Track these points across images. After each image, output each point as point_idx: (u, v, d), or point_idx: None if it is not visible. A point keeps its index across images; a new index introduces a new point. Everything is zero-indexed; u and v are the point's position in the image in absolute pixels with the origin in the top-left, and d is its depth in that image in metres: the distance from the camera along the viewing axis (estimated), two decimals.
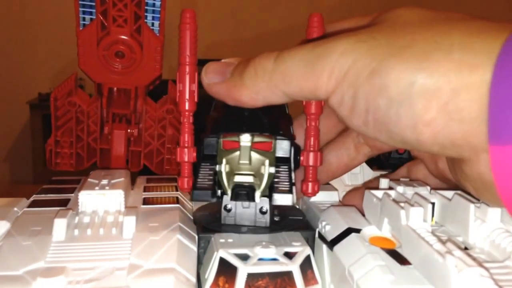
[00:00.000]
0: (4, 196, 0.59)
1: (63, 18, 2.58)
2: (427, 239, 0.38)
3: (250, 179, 0.51)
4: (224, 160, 0.51)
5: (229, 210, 0.53)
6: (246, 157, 0.51)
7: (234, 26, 2.73)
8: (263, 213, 0.52)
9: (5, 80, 2.60)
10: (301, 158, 0.52)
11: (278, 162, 0.51)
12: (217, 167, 0.51)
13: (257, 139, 0.52)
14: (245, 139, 0.51)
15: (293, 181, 0.53)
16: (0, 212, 0.53)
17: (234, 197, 0.52)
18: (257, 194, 0.50)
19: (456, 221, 0.44)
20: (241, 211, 0.53)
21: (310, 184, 0.52)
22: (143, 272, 0.43)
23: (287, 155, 0.52)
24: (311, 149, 0.52)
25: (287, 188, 0.49)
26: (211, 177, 0.51)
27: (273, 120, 0.52)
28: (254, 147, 0.52)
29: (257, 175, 0.51)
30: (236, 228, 0.52)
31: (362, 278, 0.41)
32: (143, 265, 0.44)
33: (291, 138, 0.53)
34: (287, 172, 0.50)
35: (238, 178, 0.51)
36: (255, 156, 0.51)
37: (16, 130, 2.64)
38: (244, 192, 0.51)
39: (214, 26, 2.43)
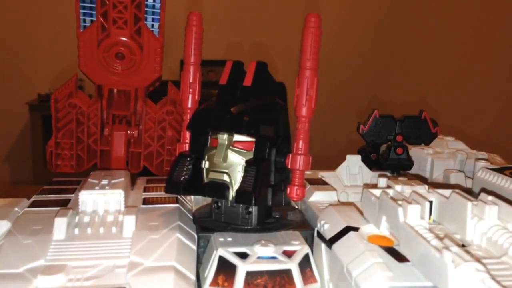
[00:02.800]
0: (4, 197, 0.59)
1: (63, 19, 2.57)
2: (425, 236, 0.38)
3: (223, 176, 0.51)
4: (206, 157, 0.52)
5: (218, 207, 0.53)
6: (220, 155, 0.51)
7: (235, 28, 2.74)
8: (248, 213, 0.52)
9: (4, 80, 2.60)
10: (287, 160, 0.52)
11: (255, 162, 0.51)
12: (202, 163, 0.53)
13: (238, 138, 0.52)
14: (222, 137, 0.52)
15: (272, 182, 0.53)
16: (0, 212, 0.53)
17: (206, 194, 0.53)
18: (230, 192, 0.51)
19: (453, 219, 0.44)
20: (228, 209, 0.53)
21: (294, 189, 0.52)
22: (143, 270, 0.43)
23: (265, 156, 0.52)
24: (299, 152, 0.52)
25: (249, 189, 0.49)
26: (188, 171, 0.52)
27: (257, 120, 0.51)
28: (234, 146, 0.52)
29: (233, 173, 0.51)
30: (226, 226, 0.52)
31: (360, 276, 0.41)
32: (143, 263, 0.44)
33: (270, 139, 0.52)
34: (253, 172, 0.49)
35: (212, 175, 0.52)
36: (232, 155, 0.52)
37: (16, 131, 2.65)
38: (215, 190, 0.52)
39: (217, 28, 2.44)
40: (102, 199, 0.53)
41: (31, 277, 0.41)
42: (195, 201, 0.63)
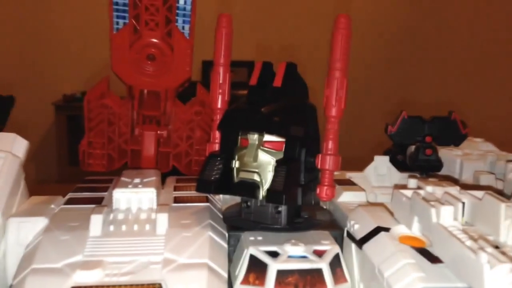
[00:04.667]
0: (30, 195, 0.60)
1: (88, 20, 2.63)
2: (459, 237, 0.38)
3: (253, 176, 0.52)
4: (236, 156, 0.53)
5: (248, 206, 0.54)
6: (250, 155, 0.52)
7: (264, 30, 2.75)
8: (278, 212, 0.53)
9: (30, 81, 2.65)
10: (317, 160, 0.52)
11: (285, 162, 0.51)
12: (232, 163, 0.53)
13: (268, 138, 0.52)
14: (252, 137, 0.52)
15: (302, 182, 0.53)
16: (38, 209, 0.55)
17: (237, 193, 0.54)
18: (260, 192, 0.51)
19: (486, 220, 0.44)
20: (257, 208, 0.54)
21: (324, 188, 0.53)
22: (177, 267, 0.44)
23: (295, 156, 0.52)
24: (329, 152, 0.52)
25: (280, 188, 0.49)
26: (218, 171, 0.53)
27: (287, 120, 0.52)
28: (264, 145, 0.52)
29: (263, 173, 0.52)
30: (256, 225, 0.53)
31: (392, 276, 0.41)
32: (177, 260, 0.45)
33: (300, 139, 0.52)
34: (284, 172, 0.50)
35: (242, 175, 0.52)
36: (262, 154, 0.52)
37: (41, 131, 2.71)
38: (245, 189, 0.52)
39: (245, 29, 2.45)
40: (135, 197, 0.54)
41: (70, 272, 0.43)
42: (223, 201, 0.63)
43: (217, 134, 0.58)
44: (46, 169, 2.64)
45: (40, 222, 0.52)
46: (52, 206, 0.56)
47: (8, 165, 0.55)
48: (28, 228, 0.51)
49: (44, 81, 2.77)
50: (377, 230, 0.48)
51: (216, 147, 0.58)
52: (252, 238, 0.51)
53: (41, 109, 2.68)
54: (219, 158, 0.53)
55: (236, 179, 0.53)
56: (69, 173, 2.55)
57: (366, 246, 0.47)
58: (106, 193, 0.60)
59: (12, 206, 0.55)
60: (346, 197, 0.61)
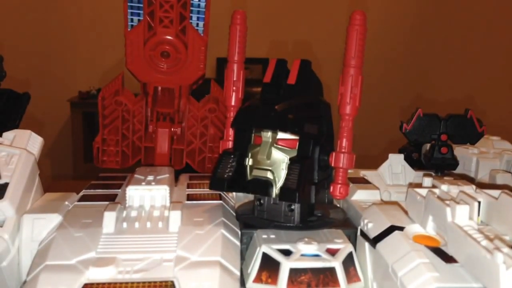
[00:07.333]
0: (45, 191, 0.61)
1: (103, 18, 2.65)
2: (474, 236, 0.38)
3: (267, 174, 0.52)
4: (249, 154, 0.53)
5: (261, 204, 0.54)
6: (264, 153, 0.52)
7: (278, 27, 2.74)
8: (290, 210, 0.53)
9: (46, 78, 2.68)
10: (330, 158, 0.52)
11: (299, 159, 0.51)
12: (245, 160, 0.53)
13: (282, 135, 0.52)
14: (266, 135, 0.52)
15: (316, 180, 0.53)
16: (52, 206, 0.55)
17: (250, 191, 0.53)
18: (273, 189, 0.51)
19: (503, 220, 0.43)
20: (270, 206, 0.53)
21: (338, 187, 0.52)
22: (190, 264, 0.44)
23: (309, 154, 0.52)
24: (343, 150, 0.52)
25: (293, 186, 0.49)
26: (232, 168, 0.53)
27: (301, 118, 0.52)
28: (278, 143, 0.52)
29: (276, 171, 0.52)
30: (269, 223, 0.53)
31: (406, 276, 0.41)
32: (190, 257, 0.45)
33: (313, 137, 0.52)
34: (297, 170, 0.50)
35: (255, 172, 0.52)
36: (276, 152, 0.52)
37: (57, 127, 2.74)
38: (259, 187, 0.52)
39: (260, 26, 2.45)
40: (148, 194, 0.54)
41: (83, 268, 0.43)
42: (237, 198, 0.63)
43: (231, 132, 0.58)
44: (61, 166, 2.66)
45: (54, 219, 0.52)
46: (66, 203, 0.56)
47: (23, 161, 0.56)
48: (42, 225, 0.52)
49: (60, 78, 2.80)
50: (391, 229, 0.47)
51: (230, 144, 0.58)
52: (264, 236, 0.51)
53: (56, 106, 2.70)
54: (232, 156, 0.53)
55: (249, 177, 0.53)
56: (84, 170, 2.58)
57: (379, 245, 0.47)
58: (119, 190, 0.61)
59: (26, 202, 0.55)
60: (360, 195, 0.61)
